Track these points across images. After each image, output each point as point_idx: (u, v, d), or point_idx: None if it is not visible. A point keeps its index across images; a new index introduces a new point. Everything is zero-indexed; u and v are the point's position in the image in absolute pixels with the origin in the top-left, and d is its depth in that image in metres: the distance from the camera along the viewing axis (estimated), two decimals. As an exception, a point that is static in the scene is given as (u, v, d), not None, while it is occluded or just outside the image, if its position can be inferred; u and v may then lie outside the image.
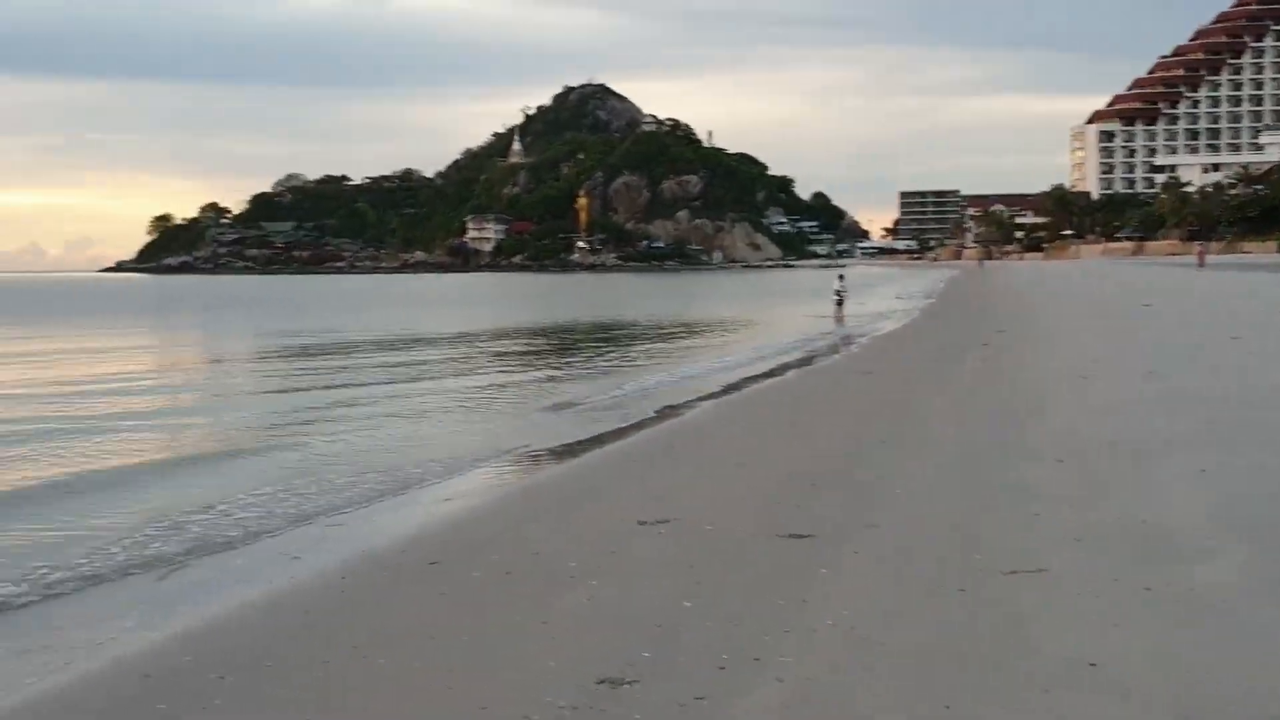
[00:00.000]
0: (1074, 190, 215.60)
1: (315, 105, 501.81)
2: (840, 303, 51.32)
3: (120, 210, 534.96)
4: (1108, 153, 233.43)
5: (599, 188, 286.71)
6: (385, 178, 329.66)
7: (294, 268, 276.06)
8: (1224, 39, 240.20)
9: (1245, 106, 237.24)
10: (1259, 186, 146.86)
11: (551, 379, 28.73)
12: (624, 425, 18.95)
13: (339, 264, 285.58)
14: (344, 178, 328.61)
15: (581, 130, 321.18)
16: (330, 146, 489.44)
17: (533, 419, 20.96)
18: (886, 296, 73.26)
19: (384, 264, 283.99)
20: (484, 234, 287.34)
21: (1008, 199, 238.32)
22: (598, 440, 17.41)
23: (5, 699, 7.45)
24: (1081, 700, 6.17)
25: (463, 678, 6.91)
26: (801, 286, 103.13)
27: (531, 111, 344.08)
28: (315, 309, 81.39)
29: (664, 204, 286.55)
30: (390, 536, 11.47)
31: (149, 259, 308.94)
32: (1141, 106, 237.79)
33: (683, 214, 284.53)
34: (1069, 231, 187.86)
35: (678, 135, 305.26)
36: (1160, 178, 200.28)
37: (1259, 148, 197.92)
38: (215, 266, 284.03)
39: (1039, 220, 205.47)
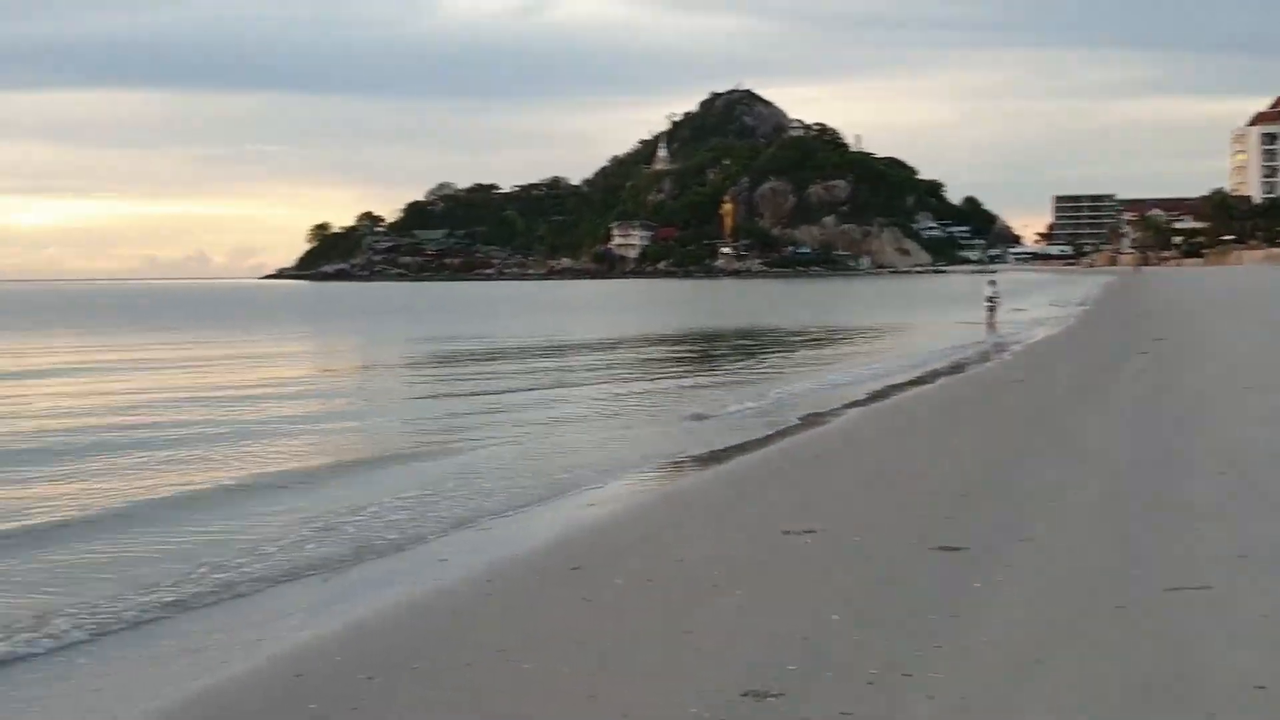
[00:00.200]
0: (1235, 194, 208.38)
1: (466, 115, 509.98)
2: (992, 309, 50.25)
3: (281, 219, 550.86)
4: (1271, 155, 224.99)
5: (744, 193, 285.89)
6: (533, 186, 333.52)
7: (445, 274, 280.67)
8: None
9: None
10: None
11: (696, 386, 28.68)
12: (768, 433, 18.80)
13: (488, 271, 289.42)
14: (493, 186, 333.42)
15: (727, 136, 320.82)
16: (480, 156, 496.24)
17: (676, 426, 20.93)
18: (1040, 303, 71.59)
19: (531, 271, 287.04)
20: (629, 240, 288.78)
21: (1165, 203, 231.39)
22: (742, 448, 17.31)
23: (168, 695, 7.66)
24: (1250, 726, 5.91)
25: (606, 684, 6.88)
26: (952, 292, 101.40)
27: (678, 118, 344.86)
28: (465, 315, 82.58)
29: (810, 209, 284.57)
30: (535, 541, 11.53)
31: (308, 266, 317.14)
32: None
33: (829, 219, 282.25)
34: (1229, 237, 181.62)
35: (824, 140, 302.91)
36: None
37: None
38: (370, 273, 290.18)
39: (1197, 225, 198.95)
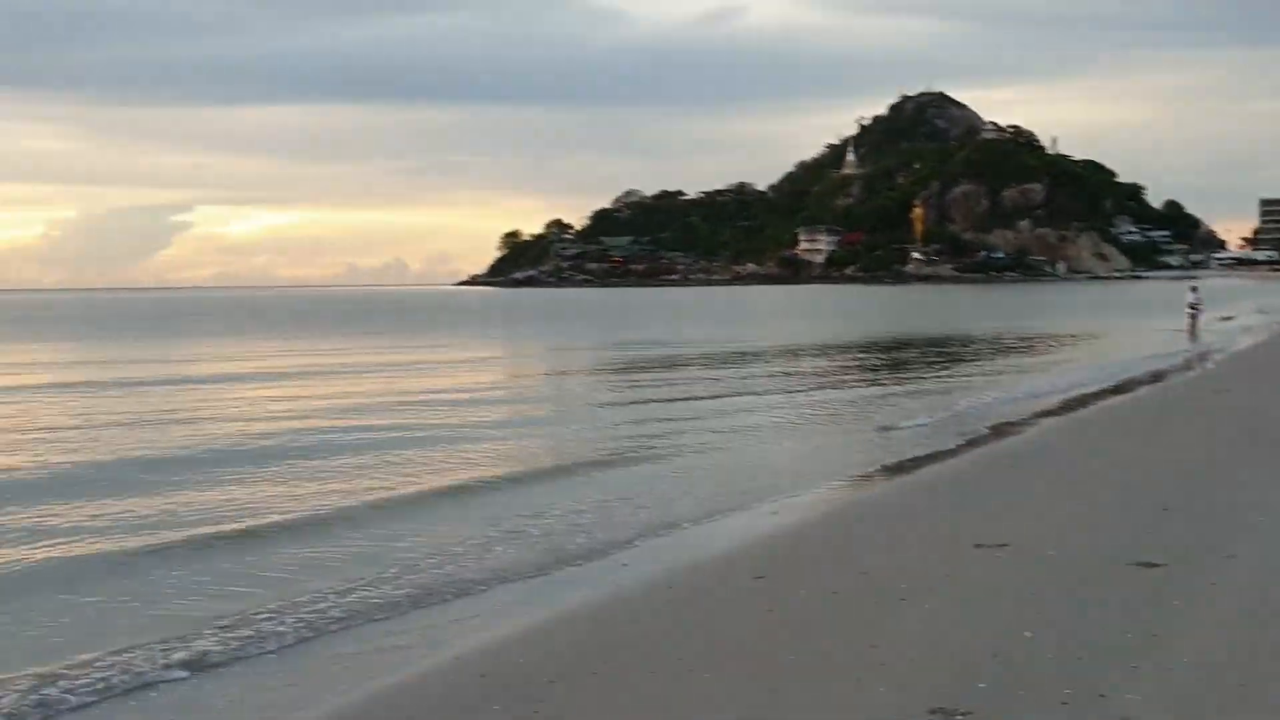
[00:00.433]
0: None
1: (654, 123, 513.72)
2: (1194, 316, 48.41)
3: (475, 227, 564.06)
4: None
5: (935, 197, 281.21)
6: (719, 191, 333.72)
7: (630, 280, 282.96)
8: None
9: None
10: None
11: (884, 395, 28.26)
12: (959, 444, 18.41)
13: (672, 276, 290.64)
14: (679, 193, 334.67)
15: (918, 139, 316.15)
16: (667, 163, 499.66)
17: (864, 436, 20.66)
18: (1245, 310, 68.73)
19: (715, 276, 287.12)
20: (815, 245, 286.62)
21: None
22: (931, 458, 16.98)
23: (355, 691, 7.87)
24: None
25: (787, 697, 6.79)
26: (1152, 299, 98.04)
27: (867, 122, 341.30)
28: (650, 321, 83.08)
29: (1004, 213, 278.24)
30: (717, 549, 11.49)
31: (498, 273, 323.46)
32: None
33: (1024, 223, 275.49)
34: None
35: (1019, 142, 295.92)
36: None
37: None
38: (558, 280, 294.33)
39: None
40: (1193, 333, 46.22)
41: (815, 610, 8.57)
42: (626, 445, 19.44)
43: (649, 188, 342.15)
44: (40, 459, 18.33)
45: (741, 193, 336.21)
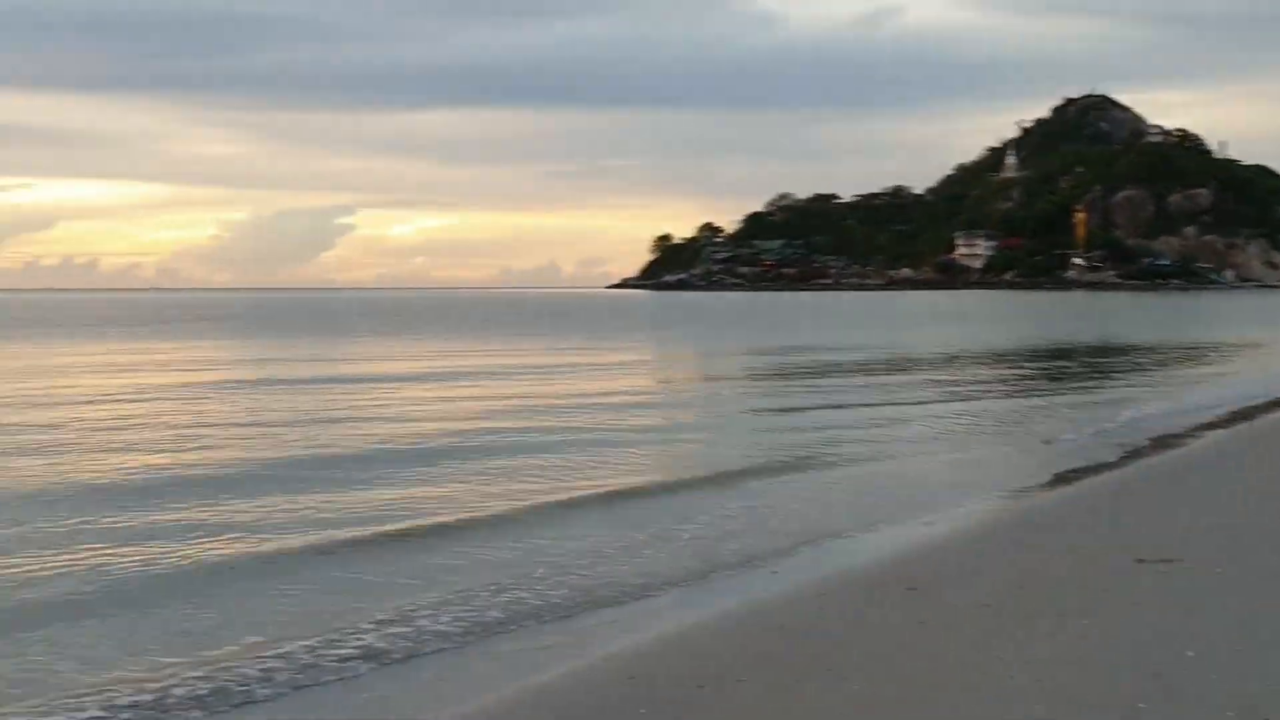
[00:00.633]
0: None
1: (809, 126, 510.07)
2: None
3: (627, 231, 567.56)
4: None
5: (1098, 202, 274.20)
6: (874, 195, 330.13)
7: (782, 284, 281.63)
8: None
9: None
10: None
11: (1043, 405, 27.67)
12: (1120, 456, 17.96)
13: (825, 280, 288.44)
14: (833, 196, 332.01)
15: (1080, 143, 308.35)
16: (822, 166, 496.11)
17: (1022, 446, 20.28)
18: None
19: (870, 281, 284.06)
20: (973, 250, 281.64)
21: None
22: (1092, 470, 16.60)
23: (504, 688, 8.03)
24: None
25: (939, 712, 6.72)
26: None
27: (1028, 124, 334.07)
28: (802, 326, 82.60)
29: (1169, 219, 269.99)
30: (869, 559, 11.42)
31: (650, 276, 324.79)
32: None
33: (1190, 229, 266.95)
34: None
35: (1185, 146, 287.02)
36: None
37: None
38: (709, 283, 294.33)
39: None
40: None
41: (968, 624, 8.46)
42: (777, 453, 19.33)
43: (802, 191, 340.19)
44: (210, 456, 18.94)
45: (897, 196, 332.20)
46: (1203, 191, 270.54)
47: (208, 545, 12.44)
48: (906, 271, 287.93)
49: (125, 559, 11.82)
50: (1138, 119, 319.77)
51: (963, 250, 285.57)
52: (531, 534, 13.17)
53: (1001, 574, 9.91)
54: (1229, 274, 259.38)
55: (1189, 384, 32.58)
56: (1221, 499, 13.12)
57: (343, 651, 9.00)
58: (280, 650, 8.98)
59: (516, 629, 9.71)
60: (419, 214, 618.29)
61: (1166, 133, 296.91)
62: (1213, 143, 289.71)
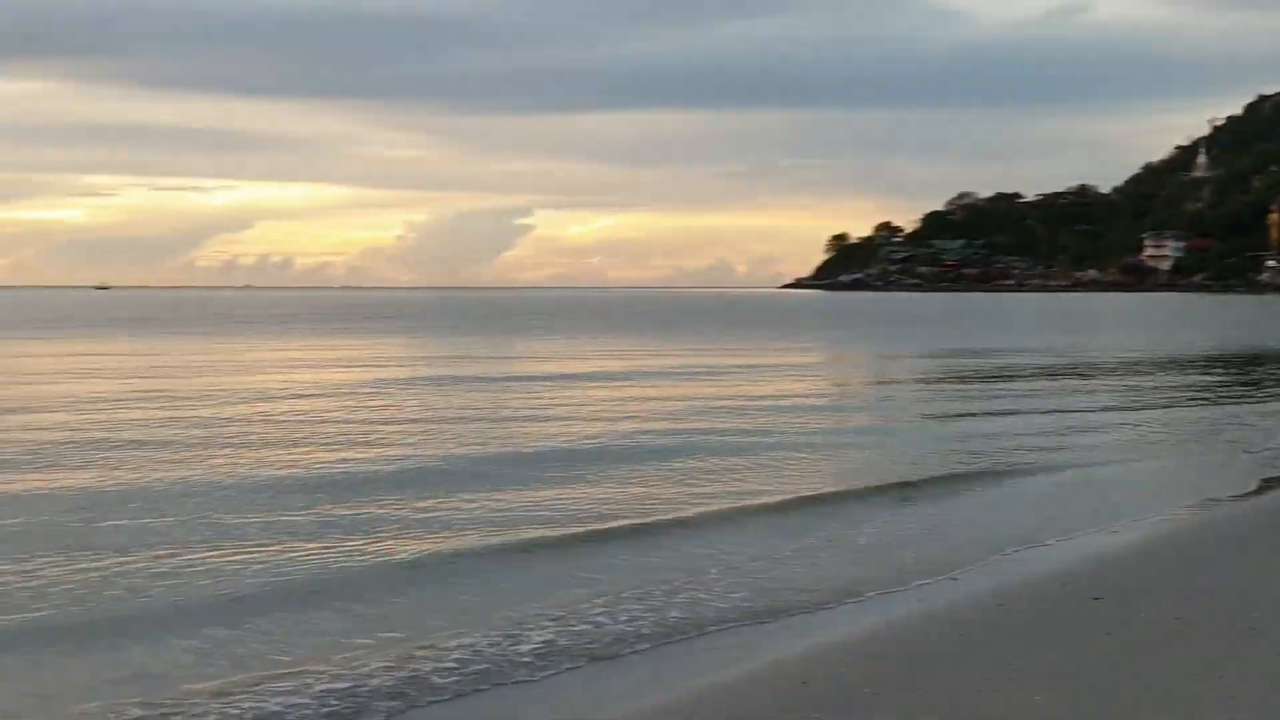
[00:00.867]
0: None
1: (991, 124, 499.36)
2: None
3: (801, 230, 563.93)
4: None
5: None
6: (1058, 194, 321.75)
7: (961, 285, 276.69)
8: None
9: None
10: None
11: (1235, 413, 26.69)
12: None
13: (1007, 282, 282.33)
14: (1016, 195, 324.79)
15: (1275, 141, 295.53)
16: (1004, 164, 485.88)
17: (1212, 456, 19.62)
18: None
19: (1053, 282, 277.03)
20: (1161, 251, 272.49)
21: None
22: (1287, 481, 16.01)
23: (683, 685, 8.18)
24: None
25: (1125, 727, 6.62)
26: None
27: (1220, 122, 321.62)
28: (981, 328, 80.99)
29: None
30: (1052, 568, 11.21)
31: (824, 276, 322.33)
32: None
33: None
34: None
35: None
36: None
37: None
38: (885, 284, 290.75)
39: None
40: None
41: (1156, 636, 8.27)
42: (954, 460, 19.04)
43: (984, 190, 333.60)
44: (397, 452, 19.45)
45: (1083, 195, 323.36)
46: None
47: (395, 541, 12.78)
48: (1092, 273, 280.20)
49: (317, 552, 12.26)
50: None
51: (1150, 251, 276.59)
52: (706, 537, 13.24)
53: (1191, 587, 9.65)
54: None
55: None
56: None
57: (522, 649, 9.22)
58: (465, 646, 9.23)
59: (691, 630, 9.80)
60: (595, 214, 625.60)
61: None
62: None
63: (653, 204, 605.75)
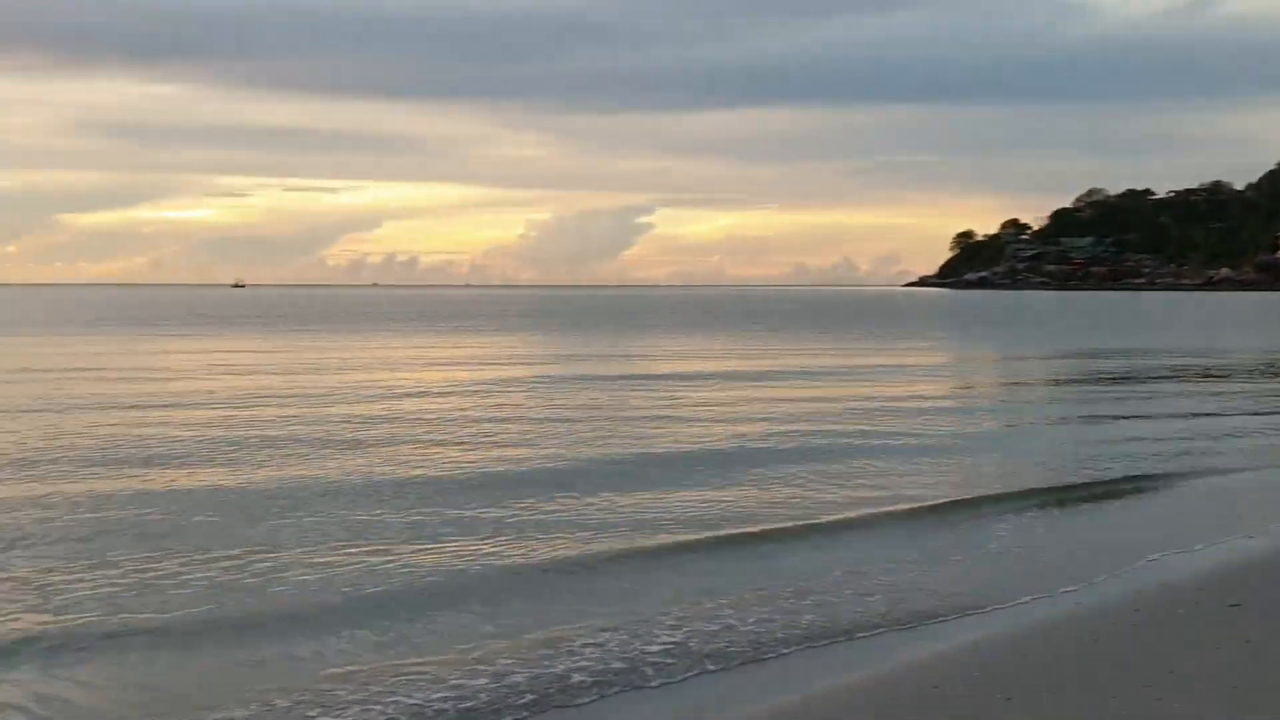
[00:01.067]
0: None
1: (1121, 119, 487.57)
2: None
3: (926, 228, 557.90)
4: None
5: None
6: (1191, 190, 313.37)
7: (1090, 284, 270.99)
8: None
9: None
10: None
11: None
12: None
13: (1137, 280, 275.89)
14: (1147, 191, 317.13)
15: None
16: (1134, 160, 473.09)
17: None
18: None
19: (1185, 281, 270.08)
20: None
21: None
22: None
23: (816, 685, 8.32)
24: None
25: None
26: None
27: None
28: (1111, 328, 79.29)
29: None
30: (1187, 574, 11.08)
31: (949, 274, 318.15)
32: None
33: None
34: None
35: None
36: None
37: None
38: (1012, 282, 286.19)
39: None
40: None
41: (1296, 646, 8.18)
42: (1084, 466, 18.77)
43: (1113, 186, 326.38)
44: (523, 453, 19.73)
45: (1216, 192, 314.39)
46: None
47: (528, 542, 12.97)
48: (1226, 271, 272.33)
49: (453, 552, 12.52)
50: None
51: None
52: (837, 541, 13.30)
53: (1331, 597, 9.50)
54: None
55: None
56: None
57: (652, 649, 9.41)
58: (595, 645, 9.47)
59: (820, 633, 9.90)
60: (715, 212, 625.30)
61: None
62: None
63: (775, 201, 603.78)
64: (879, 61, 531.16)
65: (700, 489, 16.34)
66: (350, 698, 8.37)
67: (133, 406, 26.15)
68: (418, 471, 17.49)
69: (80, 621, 9.95)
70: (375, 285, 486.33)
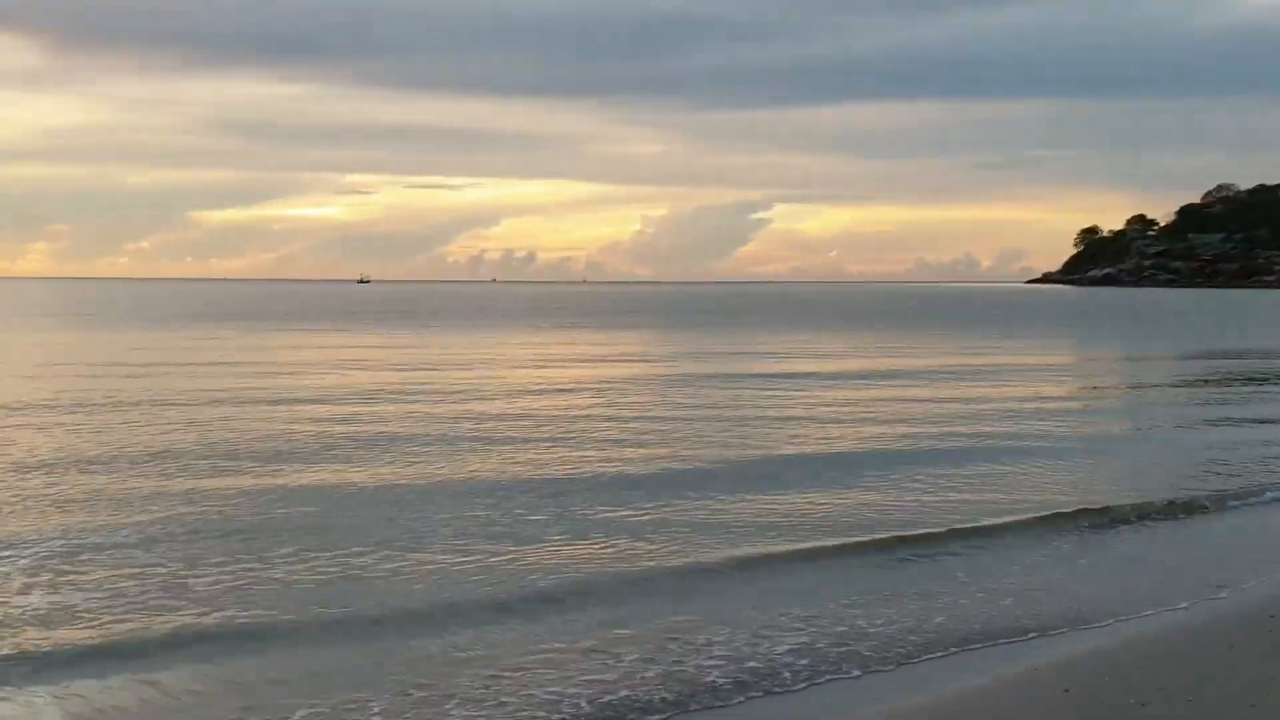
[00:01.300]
0: None
1: (1250, 113, 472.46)
2: None
3: (1049, 223, 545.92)
4: None
5: None
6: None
7: (1219, 281, 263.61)
8: None
9: None
10: None
11: None
12: None
13: (1267, 278, 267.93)
14: (1279, 187, 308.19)
15: None
16: (1267, 154, 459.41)
17: None
18: None
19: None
20: None
21: None
22: None
23: (947, 686, 8.47)
24: None
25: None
26: None
27: None
28: (1244, 328, 77.13)
29: None
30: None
31: (1073, 271, 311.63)
32: None
33: None
34: None
35: None
36: None
37: None
38: (1138, 279, 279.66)
39: None
40: None
41: None
42: (1210, 475, 18.37)
43: (1244, 182, 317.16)
44: (651, 453, 19.87)
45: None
46: None
47: (658, 545, 13.08)
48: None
49: (585, 553, 12.72)
50: None
51: None
52: (964, 545, 13.30)
53: None
54: None
55: None
56: None
57: (781, 649, 9.61)
58: (724, 643, 9.70)
59: (949, 636, 10.01)
60: (833, 208, 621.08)
61: None
62: None
63: (894, 197, 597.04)
64: (1000, 56, 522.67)
65: (823, 492, 16.30)
66: (482, 690, 8.64)
67: (266, 402, 26.88)
68: (543, 471, 17.71)
69: (222, 618, 10.27)
70: (493, 281, 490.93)
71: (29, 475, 16.75)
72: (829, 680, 9.05)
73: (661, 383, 34.04)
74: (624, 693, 8.69)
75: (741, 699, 8.70)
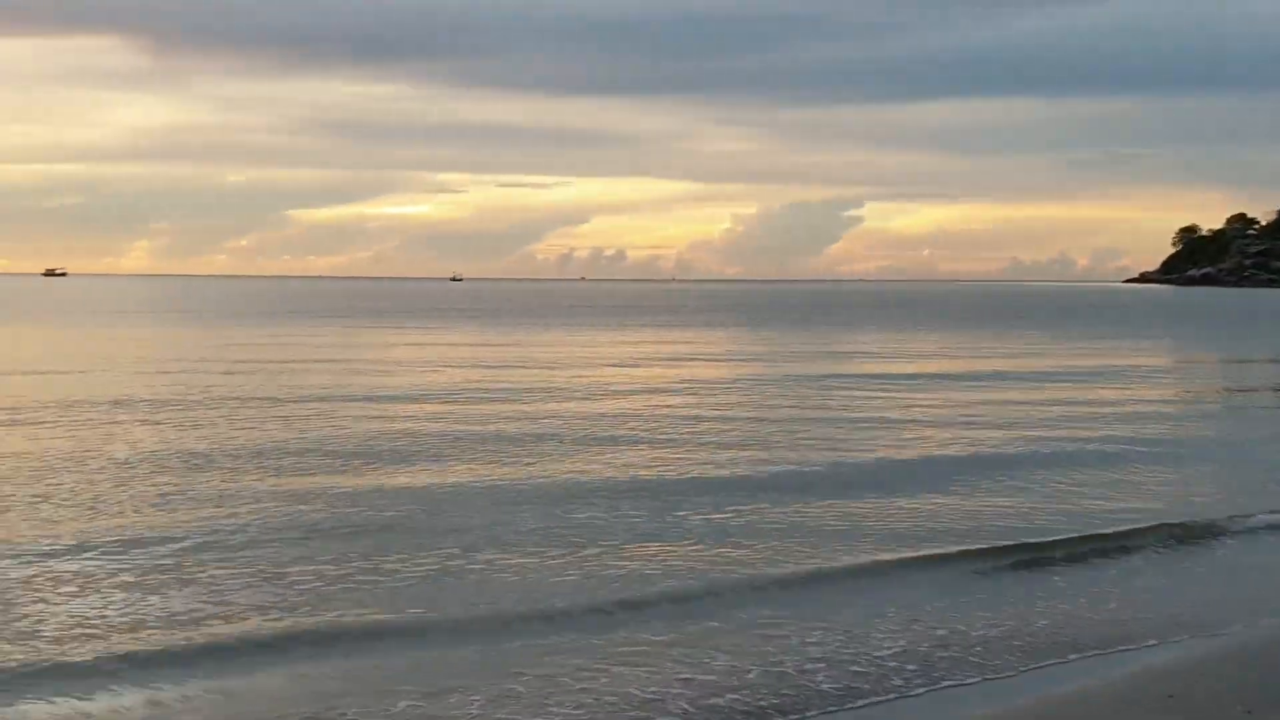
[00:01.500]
0: None
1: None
2: None
3: (1147, 222, 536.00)
4: None
5: None
6: None
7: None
8: None
9: None
10: None
11: None
12: None
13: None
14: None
15: None
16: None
17: None
18: None
19: None
20: None
21: None
22: None
23: (1047, 689, 8.48)
24: None
25: None
26: None
27: None
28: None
29: None
30: None
31: (1172, 270, 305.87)
32: None
33: None
34: None
35: None
36: None
37: None
38: (1239, 279, 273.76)
39: None
40: None
41: None
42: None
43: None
44: (751, 455, 19.82)
45: None
46: None
47: (756, 551, 13.03)
48: None
49: (674, 558, 12.67)
50: None
51: None
52: (1056, 554, 13.18)
53: None
54: None
55: None
56: None
57: (882, 653, 9.67)
58: (820, 644, 9.82)
59: (1051, 642, 10.02)
60: (925, 206, 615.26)
61: None
62: None
63: (987, 195, 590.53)
64: (1096, 50, 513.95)
65: (918, 499, 16.17)
66: (581, 688, 8.78)
67: (364, 399, 27.36)
68: (640, 472, 17.76)
69: (321, 619, 10.44)
70: (583, 279, 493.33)
71: (133, 470, 17.24)
72: (934, 684, 9.07)
73: (759, 383, 34.03)
74: (733, 696, 8.72)
75: (855, 707, 8.70)
